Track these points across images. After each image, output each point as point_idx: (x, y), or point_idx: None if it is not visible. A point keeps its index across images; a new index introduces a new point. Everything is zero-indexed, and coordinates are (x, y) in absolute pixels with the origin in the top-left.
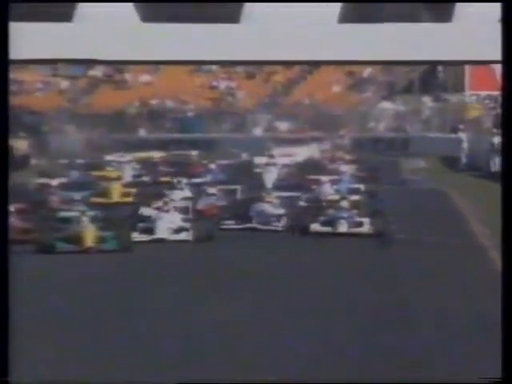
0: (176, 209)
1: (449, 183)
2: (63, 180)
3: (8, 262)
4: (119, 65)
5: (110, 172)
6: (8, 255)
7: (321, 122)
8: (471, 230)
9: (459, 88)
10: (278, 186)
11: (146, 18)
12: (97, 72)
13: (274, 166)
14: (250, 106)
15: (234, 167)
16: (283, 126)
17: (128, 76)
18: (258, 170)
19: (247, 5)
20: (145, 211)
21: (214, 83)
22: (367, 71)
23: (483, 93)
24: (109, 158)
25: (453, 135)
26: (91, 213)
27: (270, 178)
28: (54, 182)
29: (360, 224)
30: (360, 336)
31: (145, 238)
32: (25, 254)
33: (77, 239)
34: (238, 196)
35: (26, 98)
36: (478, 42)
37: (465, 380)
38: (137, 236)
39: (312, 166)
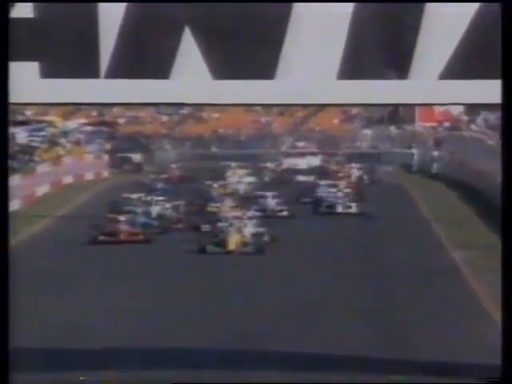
0: None
1: (405, 181)
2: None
3: (8, 261)
4: (198, 106)
5: (223, 188)
6: (8, 255)
7: (325, 142)
8: (419, 208)
9: (412, 120)
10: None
11: (216, 76)
12: (184, 111)
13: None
14: (280, 132)
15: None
16: (301, 144)
17: (204, 114)
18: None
19: (280, 67)
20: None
21: (258, 118)
22: (355, 110)
23: (427, 123)
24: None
25: (408, 150)
26: (239, 224)
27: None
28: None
29: (350, 207)
30: (353, 270)
31: None
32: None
33: (223, 243)
34: None
35: (140, 127)
36: (424, 91)
37: (465, 380)
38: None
39: (321, 172)
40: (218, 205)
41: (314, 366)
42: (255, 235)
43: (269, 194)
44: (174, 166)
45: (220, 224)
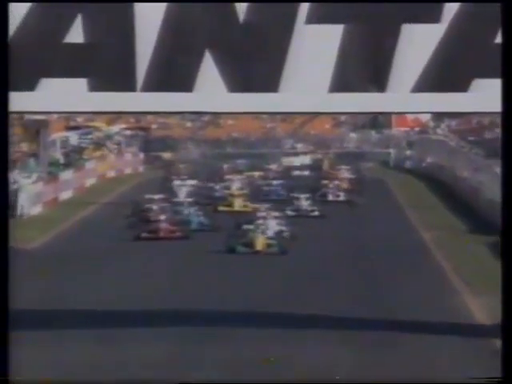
0: None
1: (383, 175)
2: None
3: (8, 261)
4: (216, 114)
5: (235, 191)
6: (8, 255)
7: (319, 143)
8: (394, 197)
9: (389, 126)
10: None
11: (231, 89)
12: (205, 118)
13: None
14: (282, 135)
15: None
16: (299, 146)
17: (221, 120)
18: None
19: (282, 82)
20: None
21: (264, 124)
22: (343, 117)
23: (401, 128)
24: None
25: (386, 150)
26: (263, 226)
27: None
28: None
29: (338, 196)
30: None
31: None
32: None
33: (251, 244)
34: None
35: (169, 131)
36: (399, 102)
37: (465, 380)
38: None
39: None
40: (228, 204)
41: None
42: (278, 236)
43: (302, 195)
44: (182, 166)
45: (246, 226)
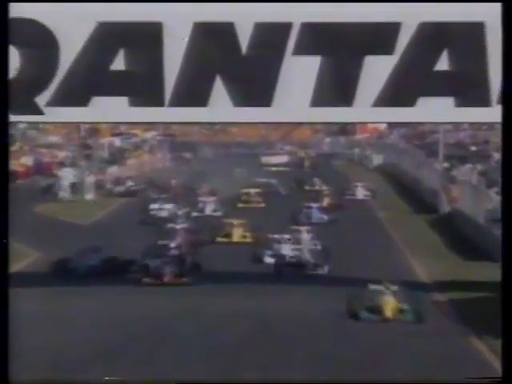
0: None
1: (348, 168)
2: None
3: (8, 264)
4: (225, 124)
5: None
6: (8, 259)
7: (302, 146)
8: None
9: (354, 133)
10: None
11: (236, 105)
12: (216, 127)
13: None
14: (274, 140)
15: None
16: (287, 147)
17: (228, 128)
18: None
19: (274, 99)
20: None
21: (260, 131)
22: (320, 126)
23: (363, 135)
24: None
25: (351, 151)
26: (393, 287)
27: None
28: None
29: (315, 184)
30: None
31: None
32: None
33: (379, 310)
34: None
35: (190, 137)
36: (362, 114)
37: (465, 380)
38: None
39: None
40: (227, 234)
41: None
42: (414, 302)
43: (303, 228)
44: (174, 181)
45: (373, 287)
